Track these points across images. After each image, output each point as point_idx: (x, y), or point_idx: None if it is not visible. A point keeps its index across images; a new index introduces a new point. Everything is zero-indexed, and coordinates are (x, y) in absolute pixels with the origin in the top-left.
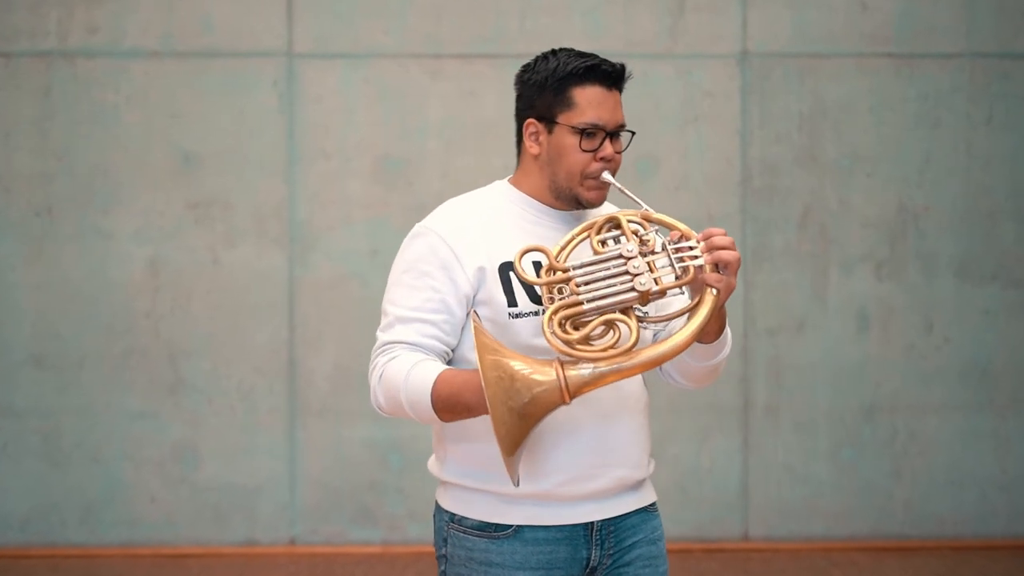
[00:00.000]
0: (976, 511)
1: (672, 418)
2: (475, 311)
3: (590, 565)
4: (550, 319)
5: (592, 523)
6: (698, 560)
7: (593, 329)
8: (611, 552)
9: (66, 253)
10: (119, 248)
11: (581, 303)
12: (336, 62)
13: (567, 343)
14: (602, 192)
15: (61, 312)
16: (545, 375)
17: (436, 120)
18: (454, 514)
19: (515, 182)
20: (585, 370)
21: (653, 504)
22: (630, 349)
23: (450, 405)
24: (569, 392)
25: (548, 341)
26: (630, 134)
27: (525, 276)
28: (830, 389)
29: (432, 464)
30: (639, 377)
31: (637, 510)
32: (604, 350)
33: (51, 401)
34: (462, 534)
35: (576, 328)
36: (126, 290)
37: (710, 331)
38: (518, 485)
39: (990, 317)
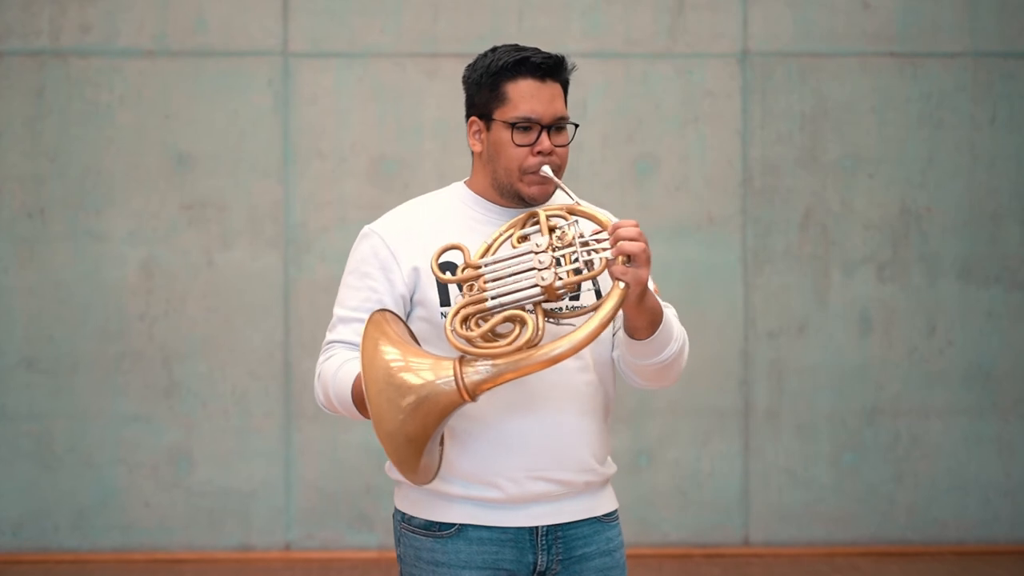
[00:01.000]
0: (979, 516)
1: (672, 421)
2: (386, 309)
3: (537, 570)
4: (453, 316)
5: (537, 527)
6: (698, 565)
7: (495, 326)
8: (559, 559)
9: (59, 255)
10: (112, 250)
11: (485, 300)
12: (332, 61)
13: (469, 340)
14: (544, 187)
15: (54, 315)
16: (440, 372)
17: (432, 120)
18: (404, 513)
19: (469, 182)
20: (483, 367)
21: (610, 513)
22: (528, 345)
23: (363, 400)
24: (467, 390)
25: (447, 338)
26: (574, 127)
27: (438, 275)
28: (832, 392)
29: (387, 465)
30: (588, 376)
31: (588, 519)
32: (504, 347)
33: (44, 405)
34: (411, 533)
35: (484, 325)
36: (119, 292)
37: (638, 326)
38: (426, 483)
39: (994, 320)
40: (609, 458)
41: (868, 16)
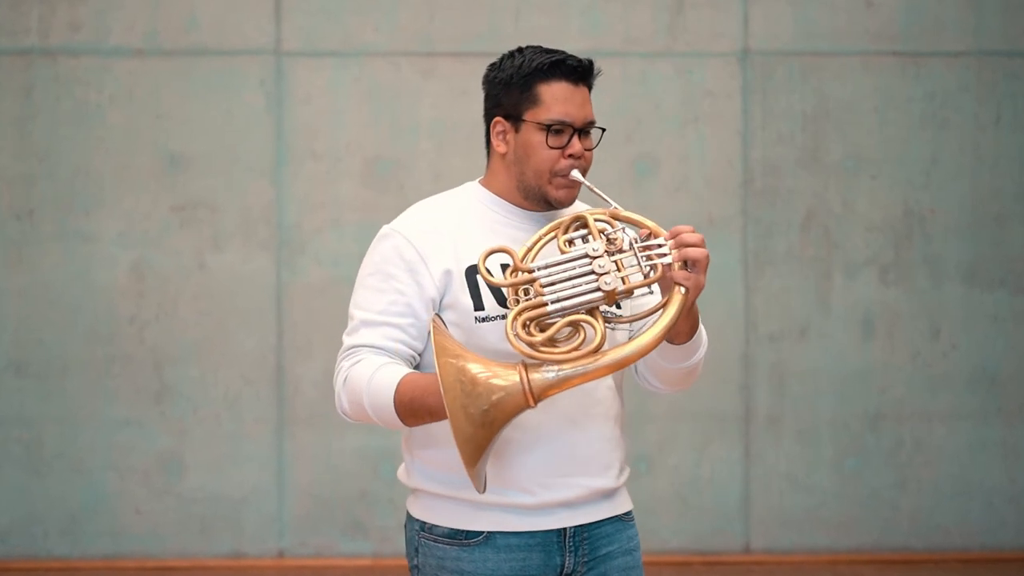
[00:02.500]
0: (984, 522)
1: (671, 427)
2: (437, 314)
3: (564, 572)
4: (513, 321)
5: (565, 529)
6: (698, 573)
7: (558, 331)
8: (585, 560)
9: (48, 257)
10: (102, 252)
11: (545, 304)
12: (325, 60)
13: (531, 345)
14: (572, 191)
15: (43, 318)
16: (508, 378)
17: (428, 120)
18: (424, 522)
19: (485, 183)
20: (550, 373)
21: (628, 513)
22: (595, 350)
23: (413, 410)
24: (533, 395)
25: (511, 343)
26: (600, 131)
27: (489, 278)
28: (834, 397)
29: (401, 472)
30: (610, 384)
31: (611, 518)
32: (568, 352)
33: (33, 409)
34: (433, 543)
35: (541, 330)
36: (110, 295)
37: (681, 331)
38: (483, 492)
39: (998, 323)
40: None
41: (871, 15)
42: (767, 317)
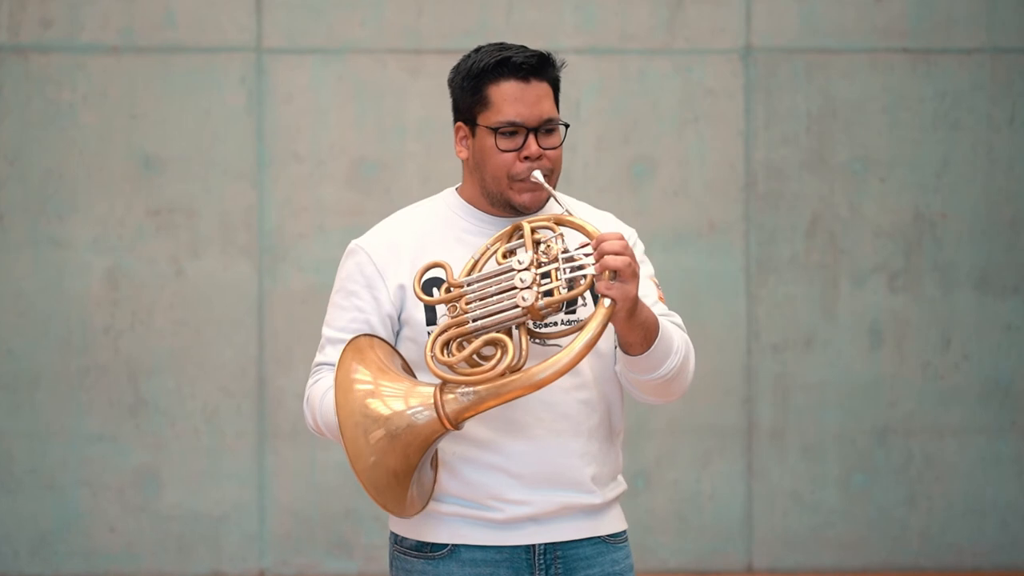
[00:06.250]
0: (997, 541)
1: (671, 441)
2: (366, 335)
3: None
4: (434, 341)
5: (534, 546)
6: None
7: (477, 350)
8: None
9: (17, 264)
10: (75, 258)
11: (467, 322)
12: (308, 58)
13: (449, 366)
14: (537, 194)
15: (12, 327)
16: (421, 400)
17: (416, 120)
18: (396, 535)
19: (460, 190)
20: (464, 395)
21: (617, 535)
22: (511, 369)
23: None
24: (449, 419)
25: (427, 364)
26: (565, 127)
27: (420, 295)
28: (840, 410)
29: None
30: (584, 394)
31: (592, 538)
32: (482, 373)
33: (2, 423)
34: (403, 555)
35: (463, 349)
36: (83, 303)
37: (631, 343)
38: (414, 515)
39: (1013, 333)
40: (620, 477)
41: (879, 10)
42: (770, 327)
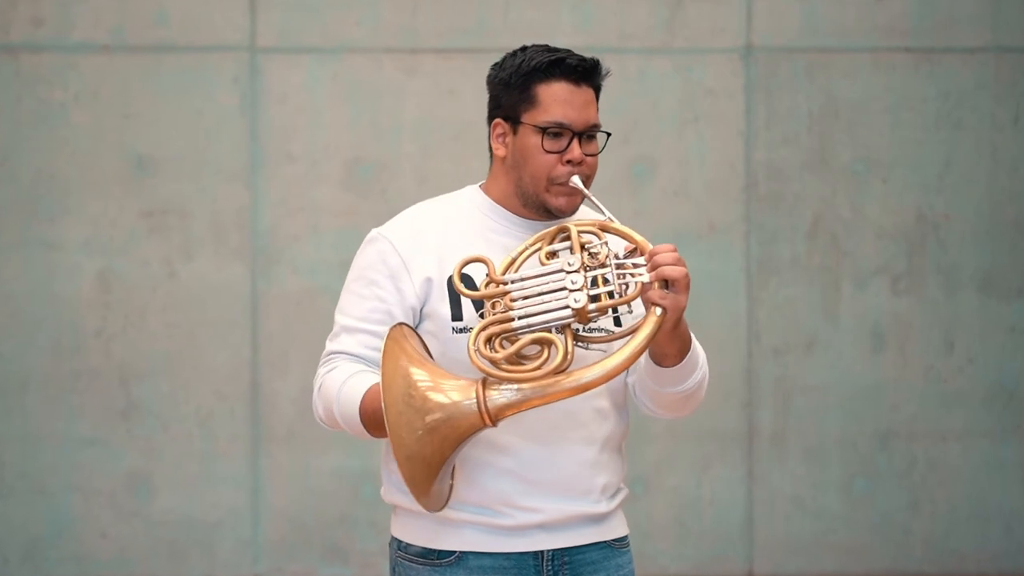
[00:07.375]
0: (1001, 546)
1: (671, 446)
2: (403, 323)
3: None
4: (476, 336)
5: (542, 552)
6: None
7: (522, 348)
8: None
9: (8, 266)
10: (66, 260)
11: (512, 319)
12: (303, 57)
13: (492, 362)
14: (572, 199)
15: (2, 330)
16: (464, 395)
17: (412, 121)
18: (400, 541)
19: (485, 188)
20: (508, 392)
21: (621, 539)
22: (556, 371)
23: (377, 421)
24: (490, 415)
25: (470, 358)
26: (606, 136)
27: (462, 289)
28: (842, 414)
29: (384, 489)
30: (599, 406)
31: (598, 544)
32: (529, 371)
33: None
34: (408, 563)
35: (508, 346)
36: (74, 306)
37: (668, 353)
38: (438, 510)
39: (1017, 335)
40: (622, 484)
41: (881, 9)
42: (771, 329)
